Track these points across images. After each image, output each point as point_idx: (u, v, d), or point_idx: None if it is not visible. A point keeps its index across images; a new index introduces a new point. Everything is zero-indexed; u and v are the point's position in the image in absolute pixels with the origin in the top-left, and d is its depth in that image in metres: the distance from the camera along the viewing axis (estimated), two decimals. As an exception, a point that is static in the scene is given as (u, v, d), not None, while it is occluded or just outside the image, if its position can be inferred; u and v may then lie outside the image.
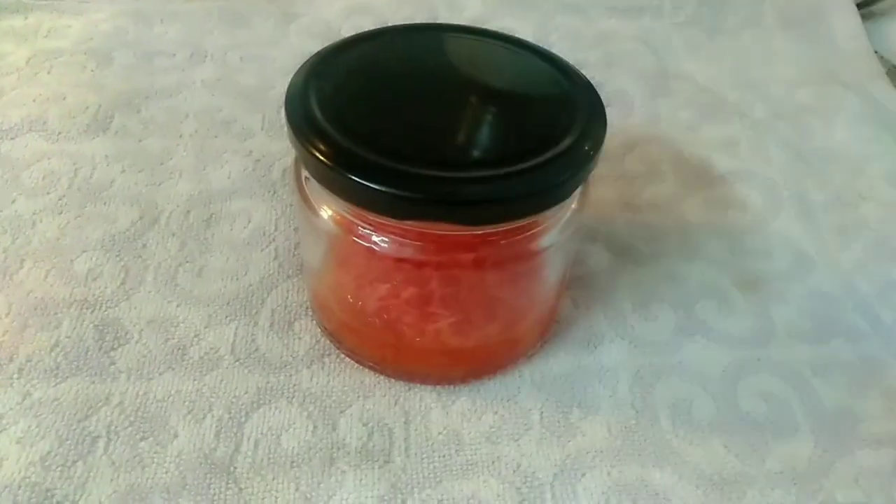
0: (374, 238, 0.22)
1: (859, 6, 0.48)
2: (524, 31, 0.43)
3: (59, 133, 0.34)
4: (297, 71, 0.23)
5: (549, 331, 0.28)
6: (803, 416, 0.27)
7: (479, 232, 0.21)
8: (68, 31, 0.41)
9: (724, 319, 0.30)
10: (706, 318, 0.30)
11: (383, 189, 0.19)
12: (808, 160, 0.38)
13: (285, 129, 0.22)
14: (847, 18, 0.47)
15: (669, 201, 0.35)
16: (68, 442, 0.23)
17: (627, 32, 0.45)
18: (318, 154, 0.20)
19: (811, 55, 0.46)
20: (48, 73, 0.38)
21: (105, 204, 0.31)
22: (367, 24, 0.43)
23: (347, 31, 0.43)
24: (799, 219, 0.35)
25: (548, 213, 0.22)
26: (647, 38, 0.45)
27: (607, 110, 0.23)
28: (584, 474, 0.24)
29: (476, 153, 0.21)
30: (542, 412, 0.26)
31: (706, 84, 0.43)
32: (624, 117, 0.39)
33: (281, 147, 0.35)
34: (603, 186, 0.35)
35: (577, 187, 0.22)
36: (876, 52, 0.46)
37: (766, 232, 0.34)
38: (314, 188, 0.23)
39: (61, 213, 0.31)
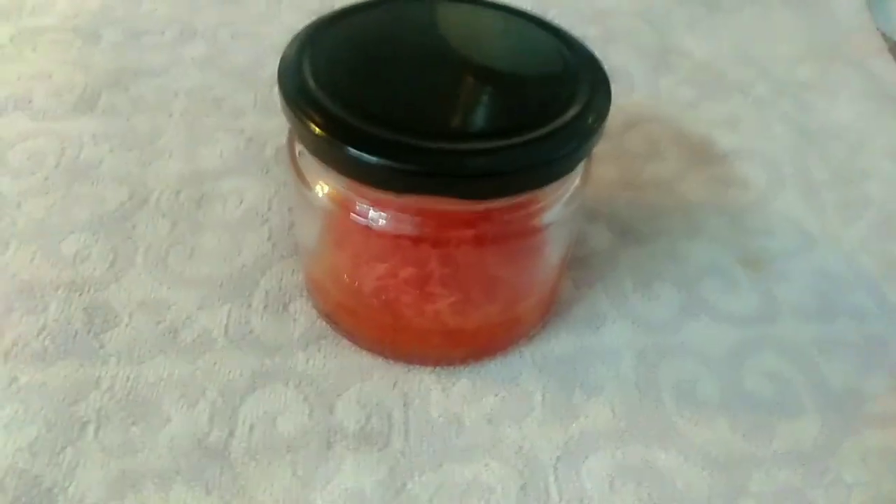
0: (372, 214, 0.21)
1: (862, -18, 0.47)
2: (521, 4, 0.42)
3: (45, 112, 0.33)
4: (290, 42, 0.22)
5: (550, 311, 0.27)
6: (809, 396, 0.26)
7: (480, 207, 0.21)
8: (53, 7, 0.39)
9: (728, 298, 0.29)
10: (709, 297, 0.29)
11: (381, 161, 0.19)
12: (811, 137, 0.37)
13: (279, 102, 0.21)
14: (849, -6, 0.46)
15: (670, 180, 0.34)
16: (57, 427, 0.23)
17: (627, 8, 0.44)
18: (313, 125, 0.19)
19: (812, 31, 0.45)
20: (33, 50, 0.37)
21: (93, 184, 0.30)
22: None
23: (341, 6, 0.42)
24: (802, 196, 0.34)
25: (550, 187, 0.21)
26: (646, 13, 0.44)
27: (607, 88, 0.23)
28: (587, 456, 0.24)
29: (477, 125, 0.21)
30: (544, 394, 0.25)
31: (707, 60, 0.42)
32: (624, 95, 0.38)
33: (274, 125, 0.34)
34: (603, 165, 0.34)
35: (580, 160, 0.22)
36: (877, 28, 0.45)
37: (769, 210, 0.33)
38: (309, 164, 0.22)
39: (48, 193, 0.30)
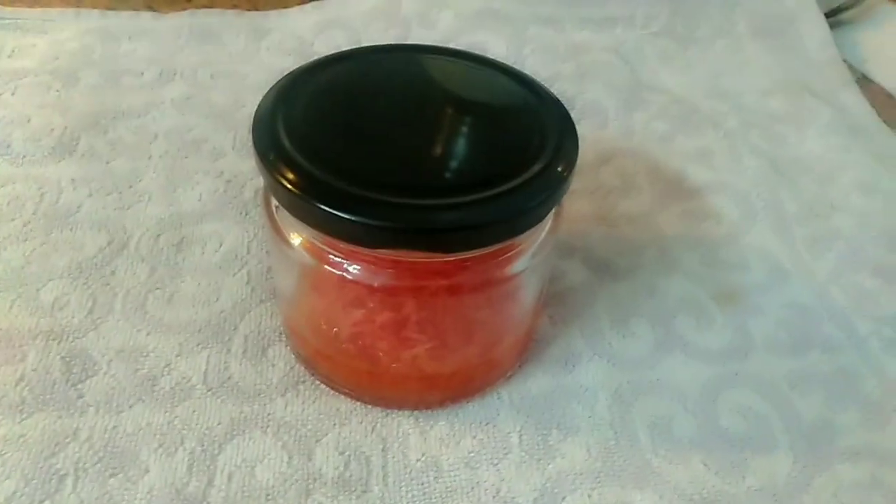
0: (347, 266, 0.22)
1: (827, 15, 0.48)
2: (497, 44, 0.43)
3: (24, 156, 0.33)
4: (265, 96, 0.23)
5: (527, 350, 0.28)
6: (782, 431, 0.27)
7: (453, 258, 0.21)
8: (33, 50, 0.40)
9: (703, 334, 0.30)
10: (684, 332, 0.30)
11: (354, 218, 0.19)
12: (782, 170, 0.38)
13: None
14: (816, 27, 0.47)
15: (645, 214, 0.35)
16: (34, 481, 0.23)
17: (600, 44, 0.45)
18: (286, 183, 0.20)
19: (782, 64, 0.46)
20: (12, 94, 0.37)
21: (72, 230, 0.30)
22: (340, 39, 0.43)
23: (320, 46, 0.42)
24: (773, 230, 0.35)
25: (522, 236, 0.22)
26: (620, 49, 0.45)
27: (581, 123, 0.23)
28: (564, 498, 0.24)
29: (447, 179, 0.21)
30: (521, 435, 0.25)
31: (680, 94, 0.43)
32: (598, 129, 0.39)
33: (253, 167, 0.33)
34: (578, 200, 0.35)
35: (551, 210, 0.22)
36: (844, 60, 0.46)
37: (742, 244, 0.34)
38: (284, 215, 0.22)
39: (26, 240, 0.30)
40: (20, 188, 0.32)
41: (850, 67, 0.46)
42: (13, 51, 0.39)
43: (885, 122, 0.42)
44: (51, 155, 0.34)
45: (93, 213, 0.31)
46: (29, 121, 0.35)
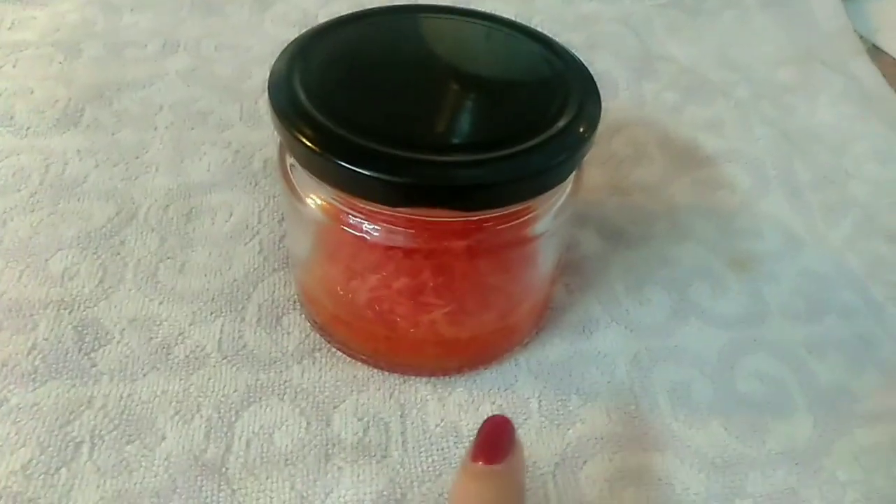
0: (364, 226, 0.21)
1: (837, -15, 0.48)
2: (506, 13, 0.42)
3: (28, 128, 0.33)
4: (279, 56, 0.22)
5: (543, 318, 0.28)
6: (801, 396, 0.26)
7: (473, 218, 0.21)
8: (33, 22, 0.39)
9: (718, 301, 0.29)
10: (700, 300, 0.29)
11: (374, 175, 0.19)
12: (794, 139, 0.38)
13: (269, 116, 0.21)
14: (826, -3, 0.47)
15: (658, 183, 0.35)
16: (50, 449, 0.22)
17: (609, 14, 0.45)
18: (305, 140, 0.19)
19: (792, 34, 0.45)
20: (13, 66, 0.36)
21: (79, 200, 0.30)
22: (345, 10, 0.42)
23: (324, 18, 0.41)
24: (787, 198, 0.35)
25: (542, 197, 0.21)
26: (628, 20, 0.45)
27: (592, 92, 0.23)
28: (585, 462, 0.24)
29: (468, 136, 0.21)
30: (540, 400, 0.25)
31: (689, 65, 0.42)
32: (609, 100, 0.38)
33: (261, 137, 0.34)
34: (591, 170, 0.34)
35: (572, 170, 0.22)
36: (855, 30, 0.46)
37: (756, 212, 0.34)
38: (300, 176, 0.22)
39: (33, 210, 0.29)
40: (25, 159, 0.31)
41: (861, 38, 0.45)
42: (13, 23, 0.39)
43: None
44: (55, 126, 0.33)
45: (100, 184, 0.31)
46: (32, 92, 0.35)
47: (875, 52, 0.45)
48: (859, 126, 0.39)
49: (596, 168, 0.35)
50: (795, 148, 0.37)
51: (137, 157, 0.32)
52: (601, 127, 0.22)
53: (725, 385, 0.26)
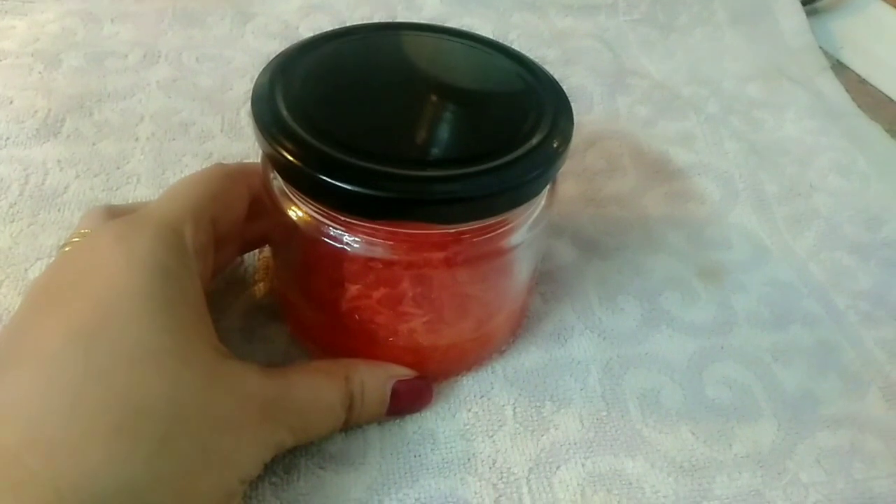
0: (345, 238, 0.22)
1: (803, 3, 0.49)
2: (483, 29, 0.44)
3: (7, 138, 0.33)
4: (262, 71, 0.23)
5: (520, 326, 0.28)
6: (766, 401, 0.27)
7: (451, 231, 0.21)
8: (12, 32, 0.39)
9: (688, 309, 0.30)
10: (670, 308, 0.30)
11: (355, 189, 0.19)
12: (761, 153, 0.39)
13: (251, 128, 0.21)
14: (792, 15, 0.49)
15: (631, 195, 0.36)
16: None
17: (584, 30, 0.46)
18: (286, 154, 0.20)
19: (760, 51, 0.47)
20: (-8, 76, 0.36)
21: (59, 210, 0.30)
22: (325, 23, 0.43)
23: (305, 30, 0.42)
24: (755, 210, 0.36)
25: (518, 210, 0.22)
26: (603, 35, 0.46)
27: (567, 107, 0.24)
28: (558, 467, 0.24)
29: (446, 151, 0.21)
30: (515, 407, 0.26)
31: (661, 80, 0.43)
32: (584, 113, 0.40)
33: (242, 148, 0.34)
34: (566, 182, 0.35)
35: (547, 184, 0.23)
36: (820, 47, 0.47)
37: (725, 223, 0.35)
38: (283, 190, 0.22)
39: (13, 221, 0.30)
40: (4, 170, 0.32)
41: (826, 54, 0.47)
42: (-8, 33, 0.39)
43: (858, 106, 0.43)
44: (35, 136, 0.33)
45: (80, 194, 0.31)
46: (11, 102, 0.35)
47: (839, 67, 0.47)
48: (824, 140, 0.40)
49: (571, 180, 0.36)
50: (763, 161, 0.39)
51: (118, 168, 0.33)
52: (576, 140, 0.23)
53: (694, 391, 0.27)
